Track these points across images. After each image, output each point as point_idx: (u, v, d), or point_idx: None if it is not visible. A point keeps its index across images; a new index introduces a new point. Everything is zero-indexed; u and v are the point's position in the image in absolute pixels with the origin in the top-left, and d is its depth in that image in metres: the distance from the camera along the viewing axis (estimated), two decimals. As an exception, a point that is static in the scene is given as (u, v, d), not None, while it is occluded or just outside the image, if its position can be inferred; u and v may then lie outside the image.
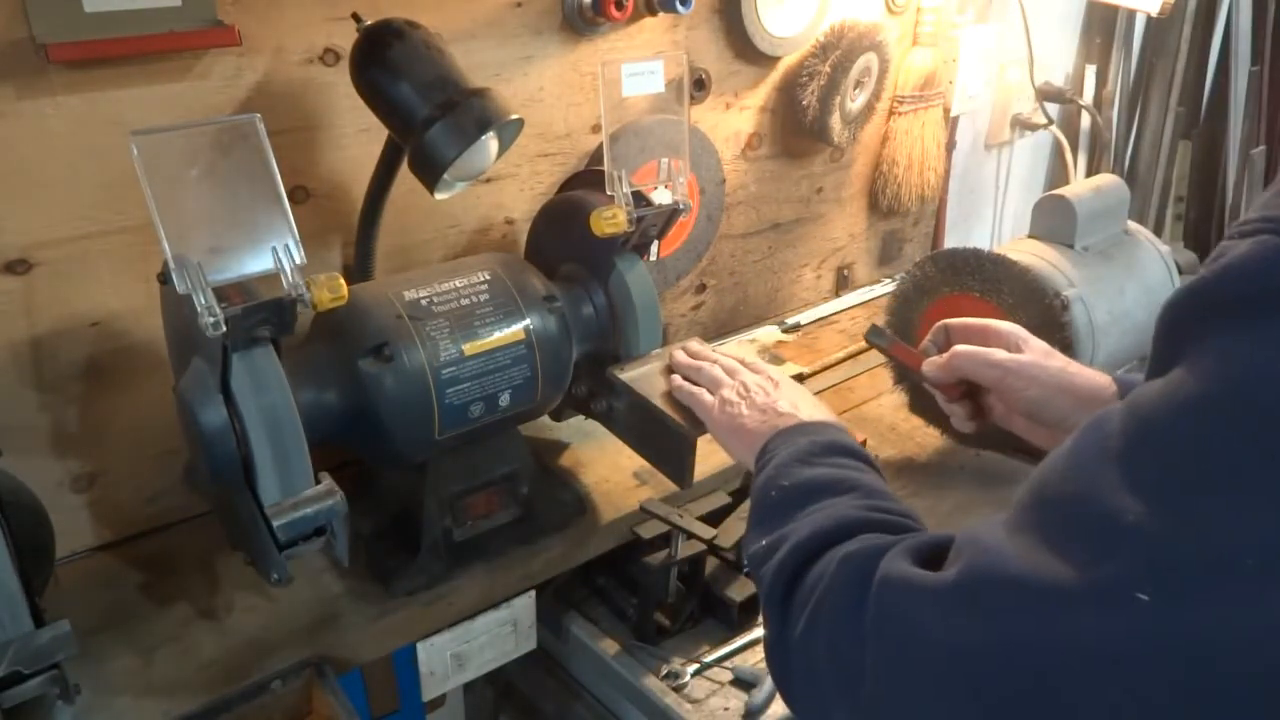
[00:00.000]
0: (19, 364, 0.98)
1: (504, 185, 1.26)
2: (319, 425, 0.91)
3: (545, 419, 1.16)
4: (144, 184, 0.70)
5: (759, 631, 1.09)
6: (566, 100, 1.28)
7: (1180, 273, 1.40)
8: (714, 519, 1.12)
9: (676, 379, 1.00)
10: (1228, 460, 0.42)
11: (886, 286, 1.82)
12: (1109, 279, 1.28)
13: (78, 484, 1.04)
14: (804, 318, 1.70)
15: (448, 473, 1.02)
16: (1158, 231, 2.50)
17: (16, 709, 0.82)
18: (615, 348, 1.10)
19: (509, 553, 1.06)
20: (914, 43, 1.65)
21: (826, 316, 1.72)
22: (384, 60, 0.96)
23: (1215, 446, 0.43)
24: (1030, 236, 1.34)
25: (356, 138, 1.11)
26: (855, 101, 1.55)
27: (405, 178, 1.00)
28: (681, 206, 1.05)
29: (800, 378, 1.43)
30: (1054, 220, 1.31)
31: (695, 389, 0.97)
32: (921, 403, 1.33)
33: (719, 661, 1.07)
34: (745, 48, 1.42)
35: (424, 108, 0.95)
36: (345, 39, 1.02)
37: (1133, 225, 1.39)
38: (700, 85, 1.41)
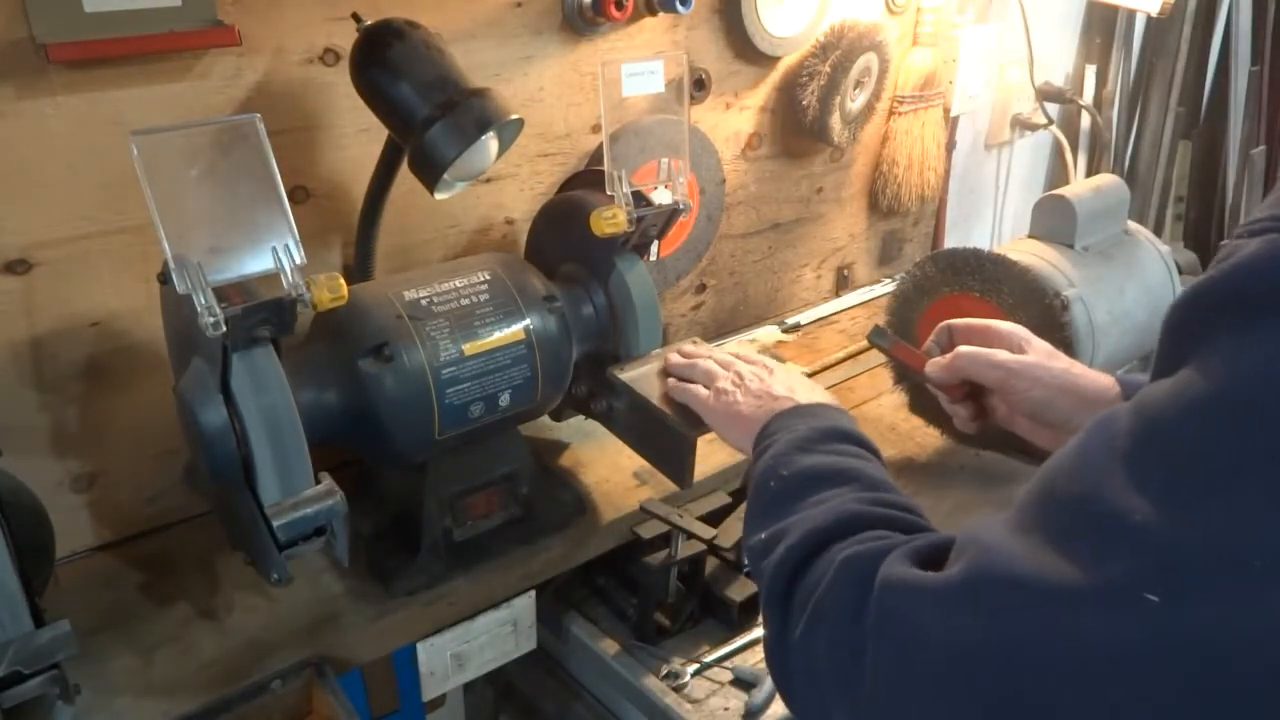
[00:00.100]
0: (19, 364, 0.98)
1: (504, 185, 1.26)
2: (319, 425, 0.91)
3: (545, 419, 1.16)
4: (144, 184, 0.70)
5: (759, 631, 1.09)
6: (566, 100, 1.28)
7: (1180, 273, 1.40)
8: (714, 519, 1.12)
9: (672, 380, 1.00)
10: (1236, 460, 0.42)
11: (886, 286, 1.82)
12: (1109, 279, 1.28)
13: (78, 484, 1.04)
14: (804, 318, 1.70)
15: (448, 473, 1.02)
16: (1158, 231, 2.51)
17: (16, 709, 0.81)
18: (615, 348, 1.10)
19: (509, 553, 1.06)
20: (914, 43, 1.65)
21: (826, 316, 1.72)
22: (384, 60, 0.96)
23: (1224, 446, 0.42)
24: (1030, 236, 1.34)
25: (356, 138, 1.11)
26: (855, 101, 1.55)
27: (405, 178, 1.00)
28: (681, 206, 1.05)
29: (800, 378, 1.43)
30: (1054, 220, 1.31)
31: (690, 386, 0.97)
32: (922, 403, 1.33)
33: (719, 661, 1.07)
34: (745, 48, 1.42)
35: (424, 108, 0.95)
36: (345, 39, 1.02)
37: (1133, 225, 1.39)
38: (700, 85, 1.41)
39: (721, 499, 1.17)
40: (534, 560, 1.07)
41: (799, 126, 1.53)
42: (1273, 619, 0.40)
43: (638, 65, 1.00)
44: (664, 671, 1.06)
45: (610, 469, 1.21)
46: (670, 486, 1.08)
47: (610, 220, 1.00)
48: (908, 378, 1.32)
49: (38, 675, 0.80)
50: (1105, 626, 0.44)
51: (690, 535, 1.07)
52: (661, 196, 1.06)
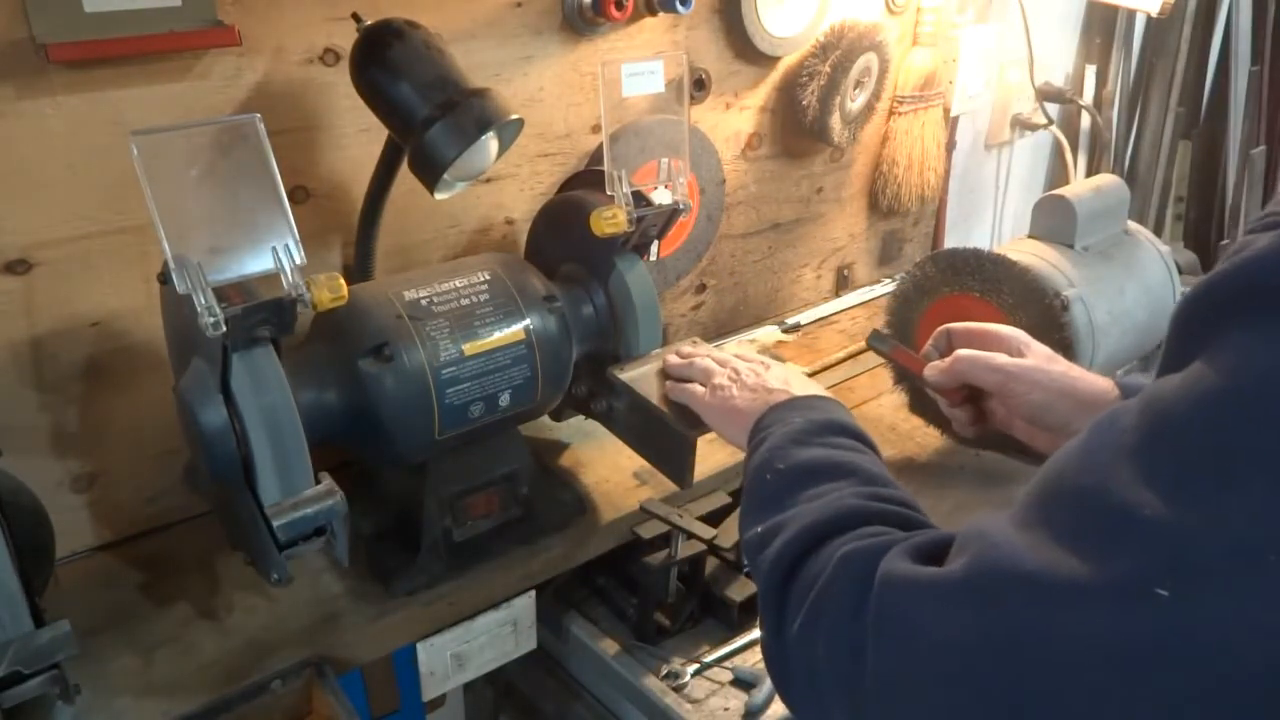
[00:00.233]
0: (19, 364, 0.98)
1: (504, 185, 1.26)
2: (319, 425, 0.91)
3: (545, 419, 1.16)
4: (144, 184, 0.70)
5: (759, 632, 1.09)
6: (566, 100, 1.28)
7: (1180, 273, 1.40)
8: (714, 519, 1.12)
9: (669, 381, 1.00)
10: (1248, 454, 0.42)
11: (886, 286, 1.82)
12: (1109, 279, 1.28)
13: (78, 484, 1.04)
14: (804, 318, 1.70)
15: (448, 473, 1.02)
16: (1158, 231, 2.50)
17: (16, 709, 0.82)
18: (615, 348, 1.10)
19: (509, 553, 1.06)
20: (914, 43, 1.65)
21: (826, 317, 1.72)
22: (384, 60, 0.96)
23: (1235, 440, 0.42)
24: (1030, 236, 1.34)
25: (356, 138, 1.11)
26: (855, 101, 1.55)
27: (405, 178, 1.00)
28: (681, 206, 1.05)
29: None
30: (1054, 220, 1.31)
31: (688, 385, 0.97)
32: (922, 403, 1.33)
33: (719, 661, 1.07)
34: (745, 48, 1.42)
35: (424, 108, 0.95)
36: (345, 39, 1.02)
37: (1133, 225, 1.39)
38: (700, 85, 1.41)
39: (721, 499, 1.17)
40: (534, 560, 1.07)
41: (799, 126, 1.53)
42: None
43: (638, 65, 1.00)
44: (664, 671, 1.06)
45: (610, 469, 1.21)
46: (670, 486, 1.08)
47: (610, 220, 1.00)
48: (908, 378, 1.32)
49: (38, 675, 0.80)
50: (1114, 622, 0.43)
51: (690, 535, 1.07)
52: (661, 196, 1.06)
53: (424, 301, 0.97)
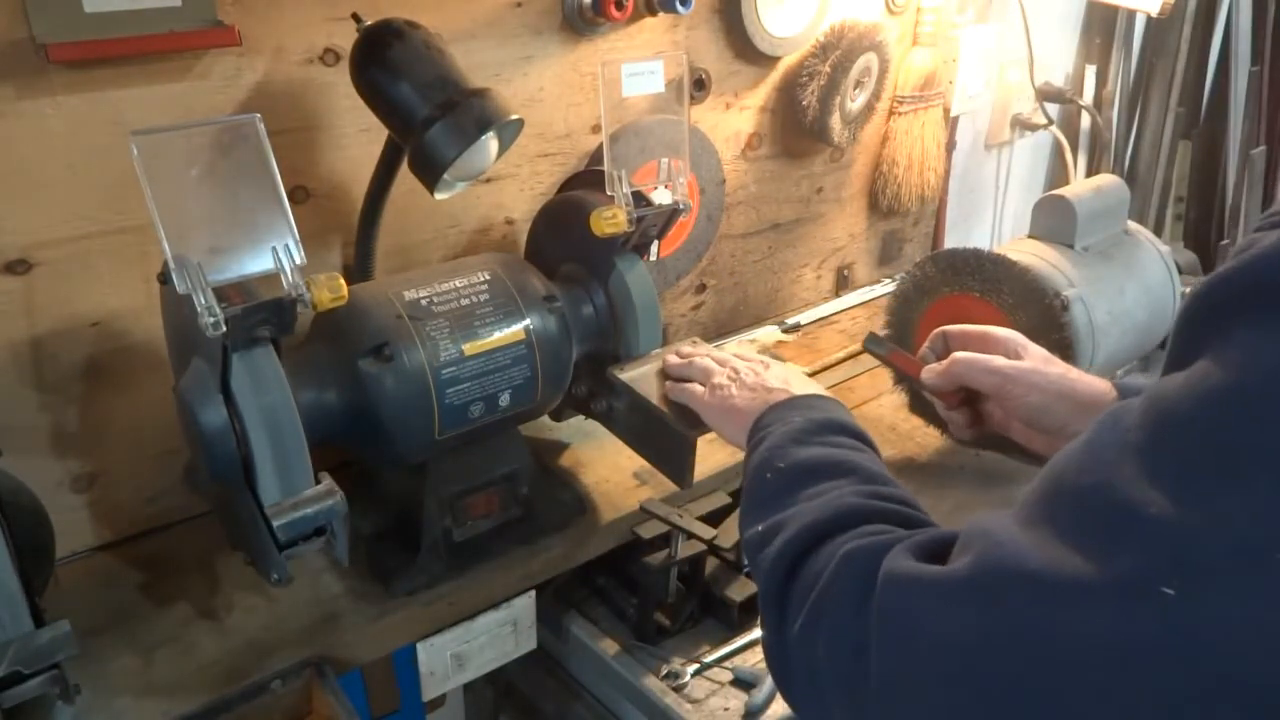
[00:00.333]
0: (19, 364, 0.98)
1: (504, 185, 1.26)
2: (319, 425, 0.91)
3: (545, 419, 1.16)
4: (144, 184, 0.70)
5: (759, 631, 1.09)
6: (566, 100, 1.28)
7: (1180, 273, 1.40)
8: (714, 519, 1.12)
9: (669, 382, 1.00)
10: (1253, 452, 0.41)
11: (886, 286, 1.82)
12: (1109, 279, 1.28)
13: (78, 484, 1.04)
14: (804, 318, 1.70)
15: (448, 473, 1.02)
16: (1158, 231, 2.50)
17: (16, 709, 0.82)
18: (615, 348, 1.10)
19: (509, 553, 1.06)
20: (914, 43, 1.65)
21: (826, 317, 1.72)
22: (384, 60, 0.96)
23: (1241, 438, 0.42)
24: (1030, 236, 1.34)
25: (356, 138, 1.11)
26: (855, 101, 1.55)
27: (405, 178, 1.00)
28: (681, 206, 1.05)
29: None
30: (1054, 220, 1.31)
31: (687, 385, 0.97)
32: (921, 403, 1.33)
33: (719, 661, 1.07)
34: (745, 48, 1.42)
35: (424, 108, 0.95)
36: (345, 39, 1.02)
37: (1133, 225, 1.39)
38: (700, 85, 1.41)
39: (721, 499, 1.17)
40: (534, 560, 1.07)
41: (799, 126, 1.53)
42: None
43: (638, 65, 1.00)
44: (664, 671, 1.06)
45: (610, 469, 1.21)
46: (670, 486, 1.08)
47: (610, 220, 1.00)
48: (907, 379, 1.32)
49: (38, 675, 0.80)
50: (1118, 621, 0.43)
51: (690, 535, 1.07)
52: (661, 196, 1.06)
53: (424, 301, 0.97)
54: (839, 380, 1.49)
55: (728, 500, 1.17)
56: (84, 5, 0.88)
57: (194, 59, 0.99)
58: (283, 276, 0.76)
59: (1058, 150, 2.25)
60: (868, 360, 1.52)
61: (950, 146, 1.90)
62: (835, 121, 1.52)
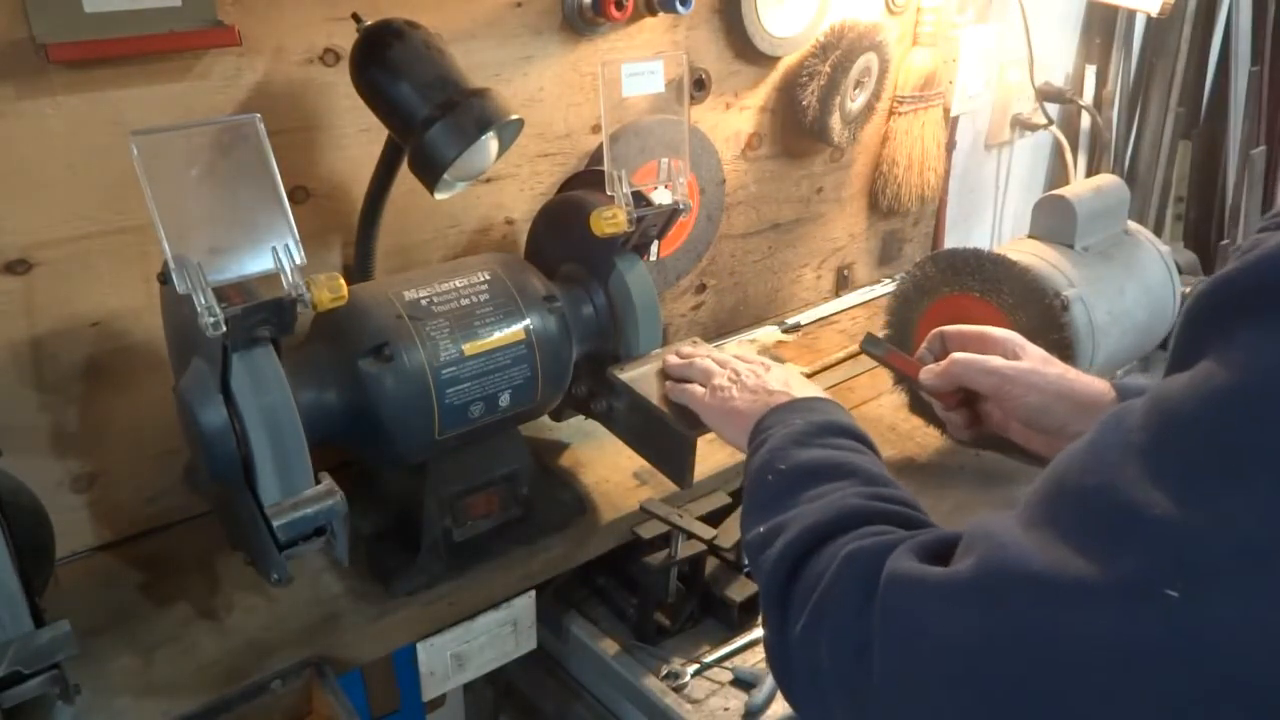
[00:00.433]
0: (19, 364, 0.98)
1: (504, 185, 1.26)
2: (319, 425, 0.91)
3: (545, 419, 1.16)
4: (144, 184, 0.70)
5: (759, 632, 1.09)
6: (566, 100, 1.28)
7: (1180, 273, 1.40)
8: (714, 519, 1.12)
9: (669, 382, 1.00)
10: (1257, 453, 0.41)
11: (886, 287, 1.82)
12: (1109, 279, 1.28)
13: (78, 484, 1.04)
14: (804, 318, 1.69)
15: (448, 473, 1.02)
16: (1158, 231, 2.50)
17: (16, 709, 0.82)
18: (615, 348, 1.10)
19: (509, 553, 1.06)
20: (914, 43, 1.65)
21: (826, 317, 1.72)
22: (384, 60, 0.96)
23: (1244, 439, 0.42)
24: (1030, 236, 1.34)
25: (356, 138, 1.11)
26: (855, 101, 1.55)
27: (405, 178, 1.00)
28: (681, 206, 1.05)
29: (800, 378, 1.43)
30: (1054, 220, 1.31)
31: (687, 385, 0.97)
32: (921, 403, 1.33)
33: (719, 661, 1.07)
34: (745, 48, 1.42)
35: (424, 108, 0.95)
36: (345, 39, 1.02)
37: (1133, 225, 1.39)
38: (700, 85, 1.41)
39: (721, 499, 1.17)
40: (534, 560, 1.07)
41: (799, 126, 1.53)
42: None
43: (638, 65, 1.00)
44: (664, 671, 1.06)
45: (610, 469, 1.21)
46: (670, 486, 1.08)
47: (610, 220, 1.00)
48: (907, 379, 1.32)
49: (38, 675, 0.80)
50: (1122, 623, 0.43)
51: (690, 535, 1.07)
52: (661, 196, 1.06)
53: (424, 301, 0.97)
54: (839, 380, 1.49)
55: (728, 500, 1.17)
56: (84, 5, 0.88)
57: (194, 59, 0.99)
58: (283, 276, 0.76)
59: (1058, 150, 2.25)
60: (868, 360, 1.51)
61: (950, 146, 1.90)
62: (835, 121, 1.52)
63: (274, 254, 0.76)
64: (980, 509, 1.19)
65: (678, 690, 1.04)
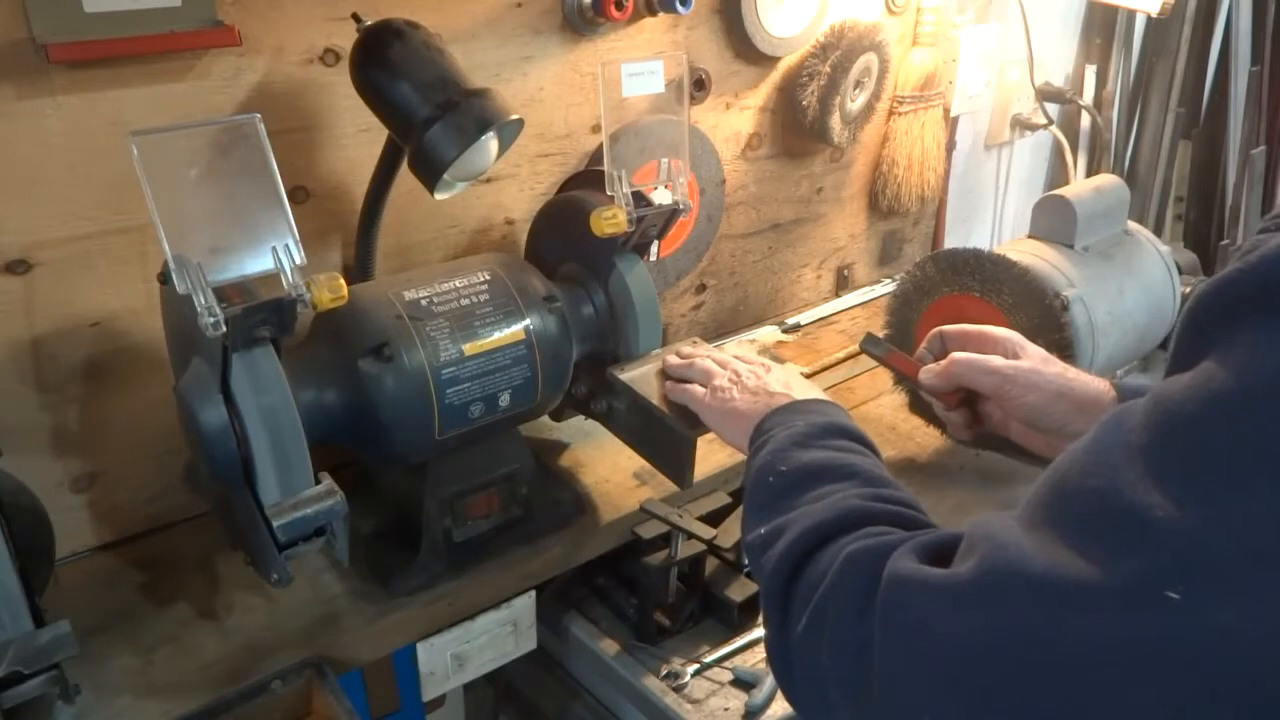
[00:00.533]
0: (19, 364, 0.98)
1: (504, 185, 1.26)
2: (319, 425, 0.91)
3: (545, 419, 1.16)
4: (144, 184, 0.70)
5: (759, 631, 1.09)
6: (566, 100, 1.28)
7: (1180, 273, 1.40)
8: (714, 519, 1.12)
9: (669, 382, 1.00)
10: (1258, 454, 0.41)
11: (886, 287, 1.82)
12: (1109, 279, 1.28)
13: (78, 484, 1.04)
14: (804, 318, 1.69)
15: (448, 473, 1.02)
16: (1158, 231, 2.50)
17: (16, 709, 0.82)
18: (615, 348, 1.10)
19: (509, 553, 1.06)
20: (914, 43, 1.65)
21: (826, 317, 1.72)
22: (384, 60, 0.96)
23: (1248, 438, 0.42)
24: (1030, 236, 1.34)
25: (356, 138, 1.11)
26: (855, 101, 1.55)
27: (405, 178, 1.00)
28: (681, 207, 1.05)
29: (800, 378, 1.43)
30: (1054, 220, 1.31)
31: (688, 386, 0.97)
32: (921, 403, 1.32)
33: (719, 661, 1.07)
34: (745, 48, 1.42)
35: (424, 108, 0.95)
36: (345, 39, 1.02)
37: (1133, 225, 1.39)
38: (700, 85, 1.41)
39: (721, 499, 1.17)
40: (534, 560, 1.07)
41: (799, 126, 1.53)
42: None
43: (638, 65, 1.00)
44: (664, 671, 1.06)
45: (610, 469, 1.21)
46: (670, 486, 1.08)
47: (610, 220, 1.00)
48: (907, 379, 1.32)
49: (38, 675, 0.80)
50: (1124, 624, 0.43)
51: (690, 535, 1.07)
52: (661, 196, 1.06)
53: (424, 301, 0.97)
54: (839, 380, 1.49)
55: (728, 500, 1.17)
56: (84, 5, 0.88)
57: (194, 59, 0.99)
58: (283, 276, 0.76)
59: (1058, 150, 2.25)
60: (868, 360, 1.51)
61: (950, 146, 1.90)
62: (835, 121, 1.52)
63: (274, 254, 0.76)
64: (980, 509, 1.19)
65: (678, 690, 1.04)
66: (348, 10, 1.00)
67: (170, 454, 1.06)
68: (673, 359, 1.03)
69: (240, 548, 0.90)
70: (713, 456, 1.20)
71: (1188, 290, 1.40)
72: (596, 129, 1.31)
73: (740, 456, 0.88)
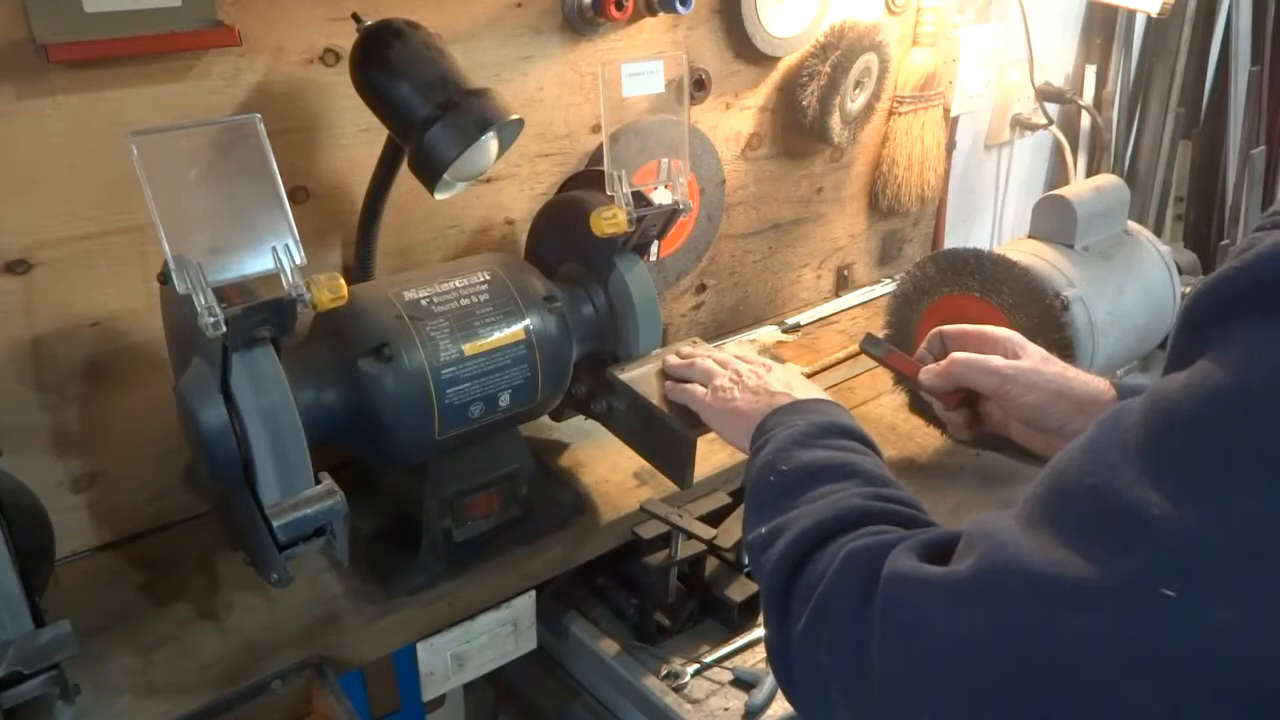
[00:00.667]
0: (19, 364, 0.98)
1: (504, 185, 1.26)
2: (319, 425, 0.91)
3: (545, 419, 1.16)
4: (144, 184, 0.70)
5: (759, 632, 1.09)
6: (566, 100, 1.28)
7: (1180, 273, 1.40)
8: (714, 519, 1.12)
9: (669, 382, 1.00)
10: (1255, 452, 0.41)
11: (886, 287, 1.82)
12: (1109, 279, 1.28)
13: (78, 484, 1.04)
14: (804, 318, 1.69)
15: (448, 473, 1.02)
16: (1158, 231, 2.50)
17: (16, 709, 0.82)
18: (615, 348, 1.10)
19: (509, 553, 1.06)
20: (914, 43, 1.65)
21: (826, 317, 1.72)
22: (384, 60, 0.96)
23: (1244, 437, 0.42)
24: (1030, 236, 1.34)
25: (356, 138, 1.11)
26: (855, 101, 1.55)
27: (405, 178, 1.00)
28: (681, 207, 1.05)
29: (800, 378, 1.43)
30: (1054, 220, 1.31)
31: (688, 385, 0.97)
32: (921, 403, 1.32)
33: (719, 661, 1.07)
34: (745, 48, 1.42)
35: (424, 108, 0.95)
36: (345, 39, 1.02)
37: (1133, 225, 1.39)
38: (700, 85, 1.41)
39: (721, 499, 1.17)
40: (534, 560, 1.07)
41: (799, 126, 1.53)
42: None
43: (638, 65, 1.00)
44: (664, 671, 1.06)
45: (610, 469, 1.21)
46: (670, 486, 1.08)
47: (610, 220, 1.00)
48: (907, 379, 1.32)
49: (38, 675, 0.80)
50: (1120, 623, 0.43)
51: (690, 535, 1.07)
52: (661, 196, 1.06)
53: (424, 301, 0.97)
54: (839, 380, 1.49)
55: (728, 500, 1.17)
56: (84, 5, 0.88)
57: (194, 59, 0.99)
58: (283, 276, 0.76)
59: (1058, 150, 2.25)
60: (868, 360, 1.51)
61: (950, 146, 1.90)
62: (835, 121, 1.52)
63: (274, 254, 0.76)
64: (980, 509, 1.19)
65: (678, 690, 1.04)
66: (348, 10, 1.00)
67: (170, 454, 1.06)
68: (673, 359, 1.03)
69: (240, 548, 0.90)
70: (713, 456, 1.20)
71: (1187, 290, 1.40)
72: (596, 129, 1.31)
73: (740, 456, 0.88)
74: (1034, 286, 1.18)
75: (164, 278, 0.78)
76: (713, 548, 1.09)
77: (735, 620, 1.11)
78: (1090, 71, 2.28)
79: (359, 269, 1.12)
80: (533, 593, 1.08)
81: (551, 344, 1.02)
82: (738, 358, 0.98)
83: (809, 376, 1.47)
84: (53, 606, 0.88)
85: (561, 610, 1.16)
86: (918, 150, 1.69)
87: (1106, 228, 1.34)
